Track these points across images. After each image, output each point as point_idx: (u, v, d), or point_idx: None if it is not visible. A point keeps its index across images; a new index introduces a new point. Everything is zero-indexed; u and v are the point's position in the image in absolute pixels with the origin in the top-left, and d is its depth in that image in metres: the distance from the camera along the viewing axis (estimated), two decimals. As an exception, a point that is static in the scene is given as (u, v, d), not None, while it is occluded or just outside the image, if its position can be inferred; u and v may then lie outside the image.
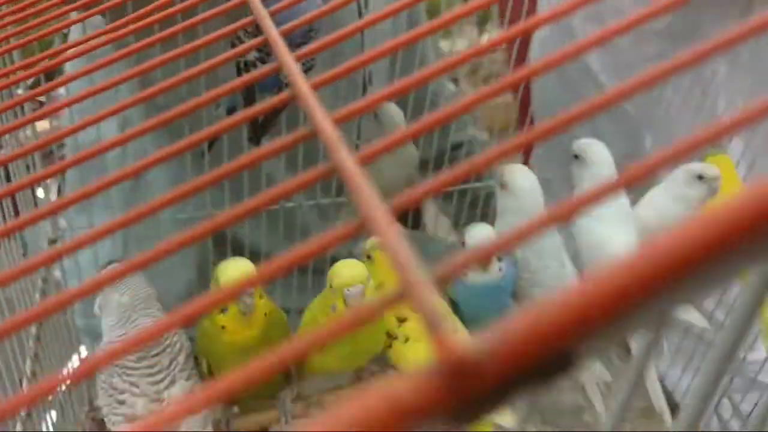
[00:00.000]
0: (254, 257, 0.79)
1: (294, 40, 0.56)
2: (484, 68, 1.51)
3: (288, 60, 0.24)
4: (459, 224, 0.89)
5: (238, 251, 0.78)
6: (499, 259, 0.55)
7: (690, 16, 0.74)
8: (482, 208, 0.84)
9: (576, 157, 0.62)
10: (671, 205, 0.60)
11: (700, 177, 0.59)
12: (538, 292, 0.57)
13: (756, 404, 0.71)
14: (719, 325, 0.72)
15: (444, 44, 1.36)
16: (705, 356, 0.74)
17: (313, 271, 0.79)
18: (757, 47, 0.73)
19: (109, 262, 0.56)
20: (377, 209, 0.14)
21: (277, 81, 0.59)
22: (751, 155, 0.67)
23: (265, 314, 0.51)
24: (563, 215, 0.14)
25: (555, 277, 0.57)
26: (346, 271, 0.49)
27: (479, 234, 0.54)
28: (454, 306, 0.57)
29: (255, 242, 0.78)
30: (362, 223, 0.15)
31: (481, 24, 1.56)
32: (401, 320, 0.54)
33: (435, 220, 0.97)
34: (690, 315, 0.57)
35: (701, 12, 0.73)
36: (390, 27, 0.84)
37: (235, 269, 0.49)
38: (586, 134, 0.83)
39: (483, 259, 0.14)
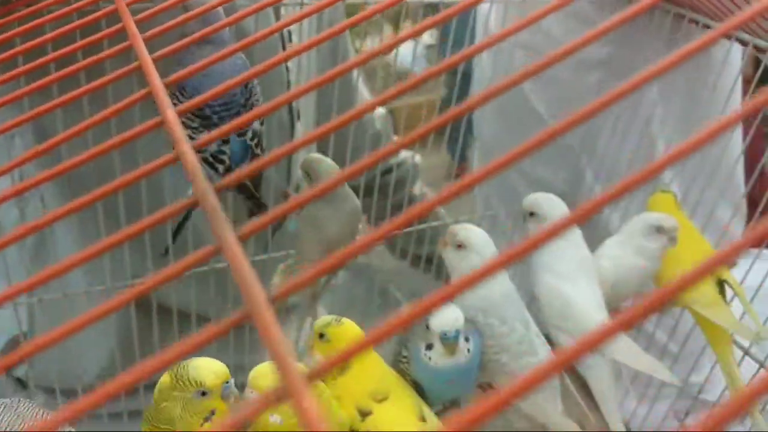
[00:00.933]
0: (184, 320, 0.73)
1: (236, 103, 0.50)
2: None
3: (187, 151, 0.21)
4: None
5: (164, 316, 0.71)
6: (467, 339, 0.51)
7: (626, 47, 0.73)
8: (429, 248, 0.81)
9: (531, 214, 0.59)
10: (631, 258, 0.59)
11: (659, 229, 0.57)
12: (505, 358, 0.54)
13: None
14: (674, 359, 0.72)
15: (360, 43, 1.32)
16: (659, 385, 0.74)
17: (249, 329, 0.73)
18: (688, 87, 0.74)
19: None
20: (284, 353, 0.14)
21: (246, 152, 0.53)
22: (693, 197, 0.66)
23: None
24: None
25: (520, 341, 0.54)
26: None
27: (447, 320, 0.50)
28: (418, 387, 0.53)
29: (184, 304, 0.71)
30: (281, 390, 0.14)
31: (396, 21, 1.53)
32: (364, 414, 0.49)
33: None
34: (659, 373, 0.55)
35: (635, 42, 0.72)
36: (315, 56, 0.78)
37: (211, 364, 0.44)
38: (528, 168, 0.82)
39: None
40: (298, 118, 0.74)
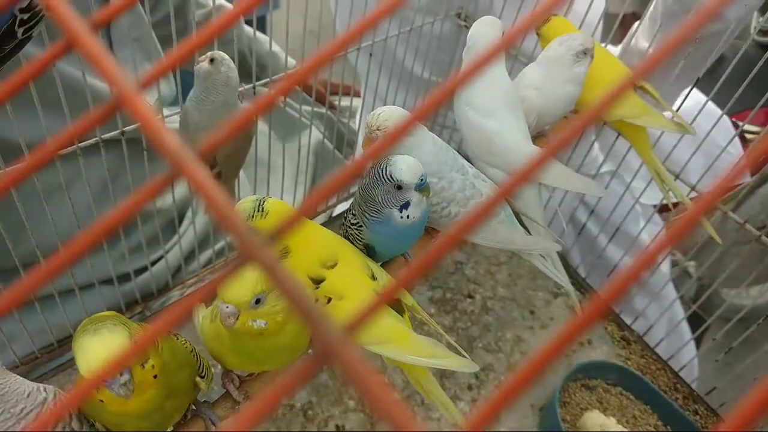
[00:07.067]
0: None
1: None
2: None
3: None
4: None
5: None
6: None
7: None
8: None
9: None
10: (561, 85, 0.57)
11: (586, 51, 0.56)
12: (454, 208, 0.53)
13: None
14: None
15: None
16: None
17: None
18: None
19: None
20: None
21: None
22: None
23: (155, 376, 0.40)
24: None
25: (462, 188, 0.53)
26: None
27: (414, 169, 0.47)
28: (370, 250, 0.51)
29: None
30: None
31: None
32: (317, 282, 0.47)
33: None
34: (591, 189, 0.57)
35: None
36: None
37: (99, 348, 0.37)
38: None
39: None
40: None
